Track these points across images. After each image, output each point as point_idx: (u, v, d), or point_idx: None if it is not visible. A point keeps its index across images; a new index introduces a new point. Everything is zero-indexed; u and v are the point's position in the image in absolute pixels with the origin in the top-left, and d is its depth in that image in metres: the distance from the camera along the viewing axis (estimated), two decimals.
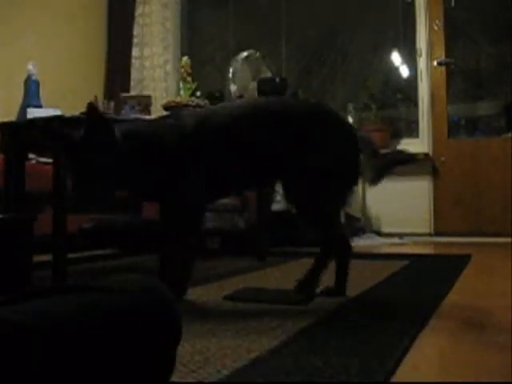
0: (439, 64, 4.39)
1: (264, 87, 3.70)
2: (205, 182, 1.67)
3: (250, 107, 1.81)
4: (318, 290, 1.77)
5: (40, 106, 2.69)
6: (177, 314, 0.85)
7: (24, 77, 2.80)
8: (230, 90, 3.63)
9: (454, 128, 4.48)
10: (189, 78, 4.18)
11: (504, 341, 1.28)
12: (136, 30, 5.03)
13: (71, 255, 2.37)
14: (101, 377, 0.72)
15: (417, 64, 4.48)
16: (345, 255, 1.80)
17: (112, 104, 3.07)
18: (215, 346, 1.22)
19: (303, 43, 5.00)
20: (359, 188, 4.36)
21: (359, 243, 3.93)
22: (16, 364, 0.65)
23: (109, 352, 0.73)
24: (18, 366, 0.65)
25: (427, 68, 4.42)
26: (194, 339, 1.24)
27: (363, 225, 4.31)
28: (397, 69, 4.70)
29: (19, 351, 0.65)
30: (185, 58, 4.38)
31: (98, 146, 1.53)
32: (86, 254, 3.09)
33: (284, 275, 2.37)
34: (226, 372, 1.03)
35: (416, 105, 4.49)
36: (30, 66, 2.78)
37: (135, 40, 5.02)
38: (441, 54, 4.42)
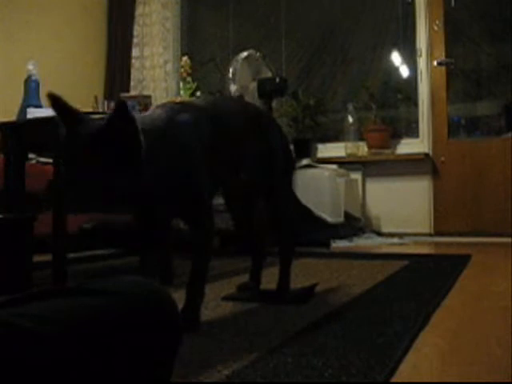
0: (439, 64, 4.39)
1: (264, 87, 3.71)
2: None
3: None
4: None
5: (40, 106, 2.68)
6: (176, 318, 0.84)
7: (24, 77, 2.79)
8: (230, 90, 3.63)
9: (454, 128, 4.48)
10: (189, 78, 4.18)
11: (504, 341, 1.28)
12: (136, 30, 5.04)
13: (71, 255, 2.37)
14: (99, 382, 0.72)
15: (417, 64, 4.48)
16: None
17: (112, 104, 3.07)
18: (215, 346, 1.22)
19: (303, 43, 4.99)
20: (359, 188, 4.36)
21: (359, 243, 3.93)
22: (24, 369, 0.65)
23: (107, 357, 0.73)
24: (27, 370, 0.66)
25: (427, 68, 4.42)
26: (193, 339, 1.24)
27: (363, 225, 4.30)
28: (397, 69, 4.70)
29: (29, 357, 0.66)
30: (185, 58, 4.38)
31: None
32: (86, 253, 3.09)
33: None
34: (226, 372, 1.03)
35: (416, 105, 4.49)
36: (30, 66, 2.78)
37: (135, 40, 5.03)
38: (441, 53, 4.41)
